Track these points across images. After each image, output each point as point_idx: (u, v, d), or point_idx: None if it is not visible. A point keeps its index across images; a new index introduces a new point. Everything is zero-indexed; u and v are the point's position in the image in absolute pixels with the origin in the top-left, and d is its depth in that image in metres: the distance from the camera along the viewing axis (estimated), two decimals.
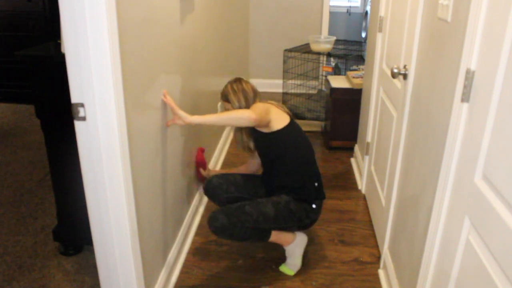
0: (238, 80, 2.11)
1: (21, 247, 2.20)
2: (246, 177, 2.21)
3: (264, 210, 1.89)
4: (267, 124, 1.93)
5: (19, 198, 2.67)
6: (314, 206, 2.01)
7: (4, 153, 3.36)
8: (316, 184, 2.03)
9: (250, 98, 2.05)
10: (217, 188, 2.11)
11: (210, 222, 1.85)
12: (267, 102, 2.06)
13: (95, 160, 1.33)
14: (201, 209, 2.55)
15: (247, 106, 2.03)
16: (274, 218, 1.92)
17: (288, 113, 2.03)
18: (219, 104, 2.83)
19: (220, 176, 2.16)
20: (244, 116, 1.82)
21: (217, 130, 3.20)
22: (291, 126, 1.99)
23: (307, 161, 2.05)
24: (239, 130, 2.17)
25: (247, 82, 2.11)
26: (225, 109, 2.10)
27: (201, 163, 2.43)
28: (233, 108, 2.05)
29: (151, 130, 1.67)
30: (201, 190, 2.50)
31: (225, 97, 2.09)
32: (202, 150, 2.45)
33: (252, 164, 2.35)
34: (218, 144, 3.21)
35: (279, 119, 1.96)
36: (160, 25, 1.71)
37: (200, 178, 2.47)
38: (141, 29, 1.50)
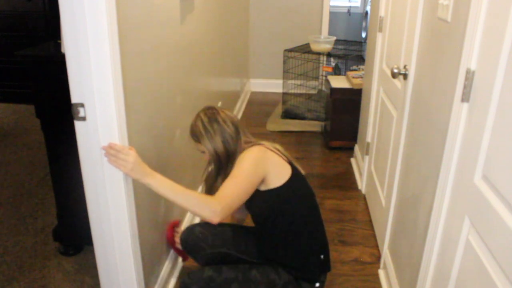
0: (211, 113, 1.58)
1: (21, 247, 2.20)
2: (236, 229, 1.74)
3: None
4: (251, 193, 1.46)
5: (19, 198, 2.67)
6: (317, 285, 1.62)
7: (4, 153, 3.36)
8: (322, 256, 1.61)
9: (231, 139, 1.55)
10: (200, 241, 1.65)
11: None
12: (259, 143, 1.56)
13: (95, 160, 1.33)
14: None
15: (229, 153, 1.56)
16: None
17: (288, 160, 1.57)
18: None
19: (204, 225, 1.67)
20: (205, 212, 1.37)
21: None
22: (294, 180, 1.53)
23: (312, 227, 1.61)
24: (215, 170, 1.61)
25: (224, 113, 1.59)
26: (200, 151, 1.61)
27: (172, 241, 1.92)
28: (208, 153, 1.56)
29: (151, 130, 1.67)
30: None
31: (195, 137, 1.59)
32: (175, 225, 1.95)
33: (240, 210, 1.73)
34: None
35: (278, 172, 1.51)
36: (160, 25, 1.71)
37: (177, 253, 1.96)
38: (141, 29, 1.50)
